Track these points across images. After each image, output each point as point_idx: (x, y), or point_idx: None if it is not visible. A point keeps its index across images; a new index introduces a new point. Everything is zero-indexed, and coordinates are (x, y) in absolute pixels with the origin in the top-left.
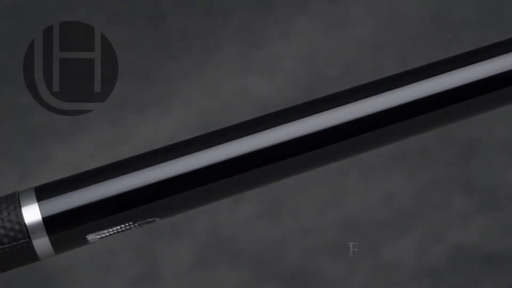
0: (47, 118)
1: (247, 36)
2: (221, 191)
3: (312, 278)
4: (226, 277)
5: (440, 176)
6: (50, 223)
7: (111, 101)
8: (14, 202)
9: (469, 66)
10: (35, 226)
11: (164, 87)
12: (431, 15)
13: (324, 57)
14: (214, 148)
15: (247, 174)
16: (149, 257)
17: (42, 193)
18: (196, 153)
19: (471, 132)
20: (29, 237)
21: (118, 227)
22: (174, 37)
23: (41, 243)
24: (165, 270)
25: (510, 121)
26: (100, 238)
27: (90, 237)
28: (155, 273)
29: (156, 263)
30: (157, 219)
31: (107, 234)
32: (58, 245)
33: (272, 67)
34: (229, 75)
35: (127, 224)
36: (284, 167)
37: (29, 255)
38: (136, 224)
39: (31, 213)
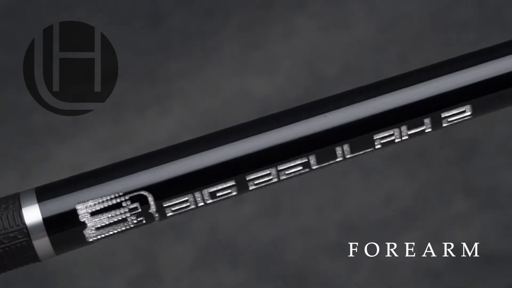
0: (47, 118)
1: (247, 36)
2: None
3: (312, 278)
4: (226, 277)
5: (440, 176)
6: (50, 223)
7: (111, 101)
8: (14, 203)
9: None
10: (35, 226)
11: (164, 87)
12: (431, 15)
13: (324, 57)
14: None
15: None
16: (149, 257)
17: (42, 194)
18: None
19: (471, 132)
20: (29, 237)
21: (118, 227)
22: (174, 37)
23: (42, 244)
24: (165, 270)
25: (510, 121)
26: (100, 238)
27: (90, 236)
28: (155, 273)
29: (156, 263)
30: (156, 219)
31: (107, 234)
32: (59, 246)
33: (272, 67)
34: (229, 75)
35: (126, 224)
36: None
37: (30, 255)
38: (135, 223)
39: (32, 214)
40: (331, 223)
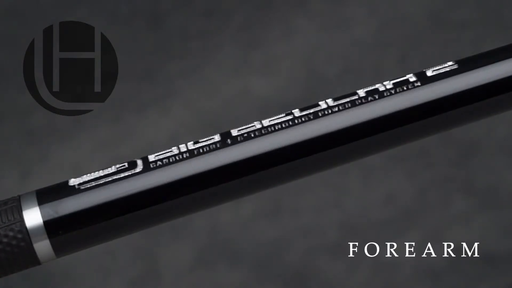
0: (47, 118)
1: (247, 36)
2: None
3: (312, 278)
4: (226, 277)
5: (440, 176)
6: (51, 226)
7: (111, 101)
8: (15, 206)
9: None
10: (36, 229)
11: (164, 87)
12: (431, 15)
13: (324, 57)
14: None
15: None
16: (149, 257)
17: (43, 197)
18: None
19: (471, 133)
20: (30, 240)
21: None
22: (174, 37)
23: (42, 247)
24: (165, 270)
25: (510, 122)
26: (84, 182)
27: (74, 181)
28: (155, 273)
29: (156, 263)
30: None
31: (91, 177)
32: (59, 249)
33: (272, 67)
34: (229, 75)
35: (109, 168)
36: None
37: (30, 258)
38: (118, 167)
39: (32, 217)
40: (331, 223)
